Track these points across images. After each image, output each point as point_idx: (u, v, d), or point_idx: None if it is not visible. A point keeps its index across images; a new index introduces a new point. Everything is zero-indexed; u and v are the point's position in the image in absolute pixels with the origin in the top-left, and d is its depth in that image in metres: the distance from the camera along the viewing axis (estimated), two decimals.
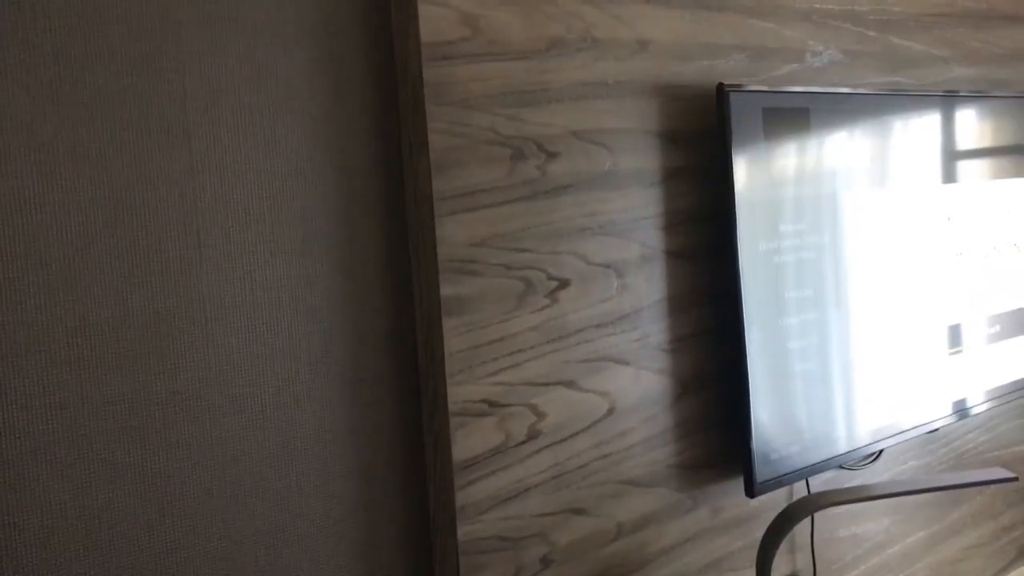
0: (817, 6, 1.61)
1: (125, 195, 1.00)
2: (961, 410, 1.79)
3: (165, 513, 1.03)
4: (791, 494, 1.63)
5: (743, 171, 1.40)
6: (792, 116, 1.49)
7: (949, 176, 1.77)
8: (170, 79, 1.02)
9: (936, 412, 1.73)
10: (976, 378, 1.82)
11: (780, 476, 1.45)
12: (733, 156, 1.39)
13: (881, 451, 1.72)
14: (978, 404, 1.82)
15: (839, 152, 1.56)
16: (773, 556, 1.36)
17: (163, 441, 1.03)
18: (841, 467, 1.68)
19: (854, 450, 1.57)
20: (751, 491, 1.41)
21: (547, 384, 1.26)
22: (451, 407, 1.17)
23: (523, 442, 1.24)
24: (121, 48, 0.99)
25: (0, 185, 0.93)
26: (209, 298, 1.05)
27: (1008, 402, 1.94)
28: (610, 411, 1.34)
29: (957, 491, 1.99)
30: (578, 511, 1.31)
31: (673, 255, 1.41)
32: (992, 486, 2.03)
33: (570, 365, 1.29)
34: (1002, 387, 1.89)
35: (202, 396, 1.05)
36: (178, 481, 1.04)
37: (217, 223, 1.06)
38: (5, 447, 0.93)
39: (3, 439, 0.93)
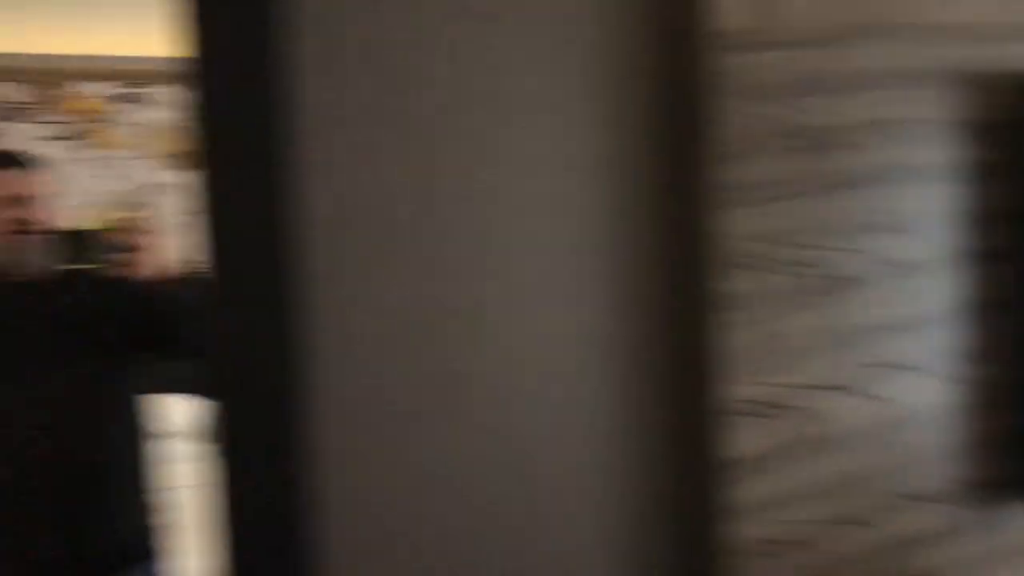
0: None
1: (415, 188, 1.06)
2: None
3: (452, 487, 1.09)
4: None
5: None
6: None
7: None
8: (452, 75, 1.07)
9: None
10: None
11: None
12: None
13: None
14: None
15: None
16: None
17: (441, 422, 1.09)
18: None
19: None
20: None
21: (826, 388, 1.21)
22: (723, 406, 1.15)
23: (797, 446, 1.20)
24: (408, 46, 1.05)
25: (316, 184, 1.01)
26: (490, 287, 1.09)
27: None
28: (893, 419, 1.26)
29: None
30: (851, 521, 1.25)
31: (974, 257, 1.30)
32: None
33: (852, 369, 1.23)
34: None
35: (478, 385, 1.10)
36: (455, 460, 1.09)
37: (497, 216, 1.09)
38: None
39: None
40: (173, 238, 4.09)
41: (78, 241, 1.75)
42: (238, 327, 1.02)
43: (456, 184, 1.07)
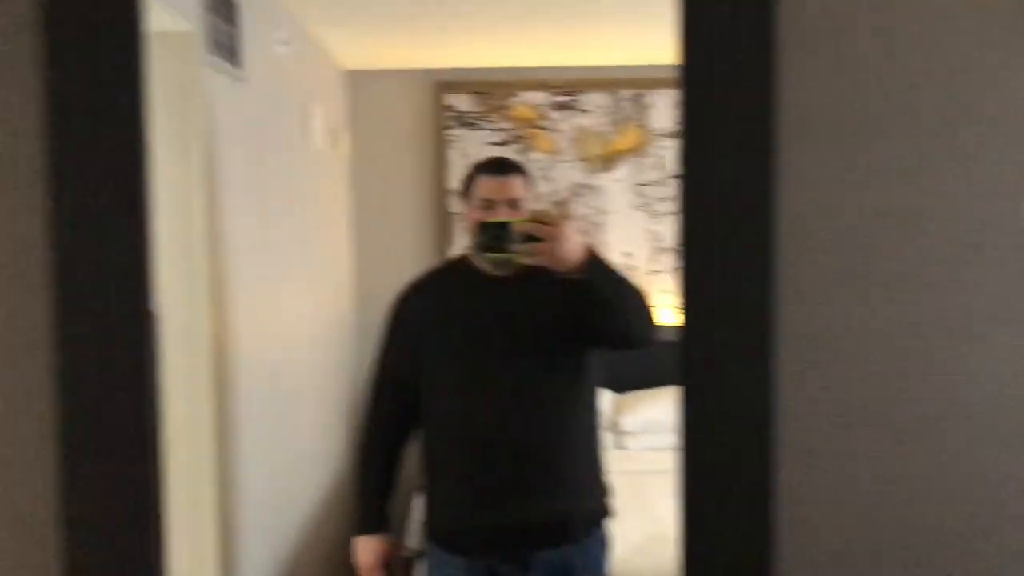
0: None
1: (910, 209, 1.03)
2: None
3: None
4: None
5: None
6: None
7: None
8: (944, 91, 1.03)
9: None
10: None
11: None
12: None
13: None
14: None
15: None
16: None
17: (903, 445, 1.05)
18: None
19: None
20: None
21: None
22: None
23: None
24: (899, 64, 1.03)
25: (795, 195, 1.03)
26: (968, 313, 1.04)
27: None
28: None
29: None
30: None
31: None
32: None
33: None
34: None
35: (947, 412, 1.05)
36: (915, 486, 1.05)
37: (995, 242, 1.03)
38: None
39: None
40: (587, 234, 4.34)
41: (497, 231, 1.88)
42: (708, 331, 1.07)
43: (940, 206, 1.03)
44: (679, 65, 1.04)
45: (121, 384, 1.09)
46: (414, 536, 3.30)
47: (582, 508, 2.08)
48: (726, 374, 1.05)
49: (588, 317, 1.94)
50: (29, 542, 1.12)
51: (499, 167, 2.10)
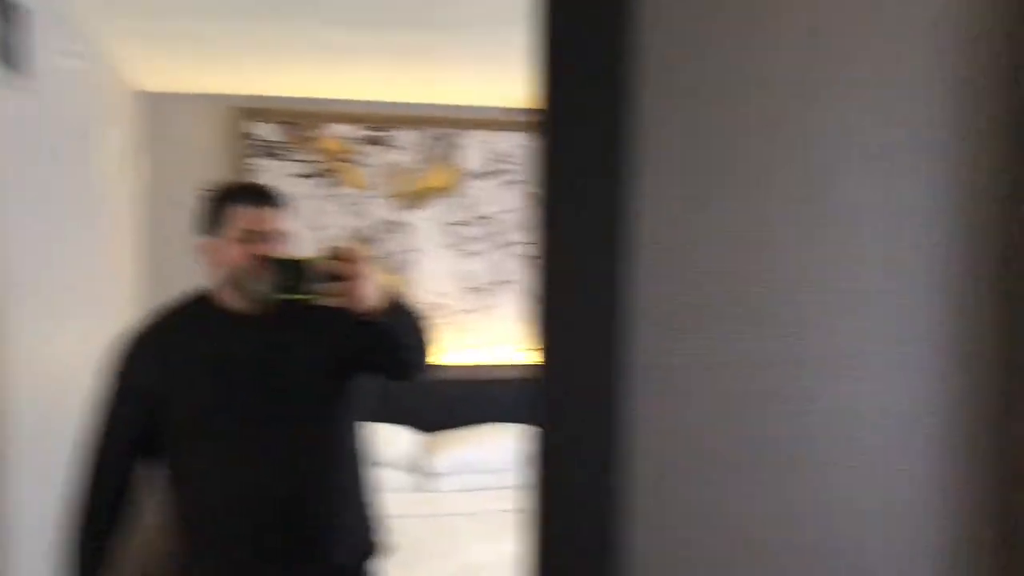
0: None
1: (764, 241, 1.04)
2: None
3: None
4: None
5: None
6: None
7: None
8: (796, 117, 1.05)
9: None
10: None
11: None
12: None
13: None
14: None
15: None
16: None
17: (755, 484, 1.05)
18: None
19: None
20: None
21: None
22: None
23: None
24: (752, 96, 1.04)
25: (651, 231, 1.02)
26: (818, 347, 1.06)
27: None
28: None
29: None
30: None
31: None
32: None
33: None
34: None
35: (797, 447, 1.06)
36: (767, 527, 1.06)
37: (834, 272, 1.06)
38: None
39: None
40: (390, 271, 4.25)
41: (293, 270, 1.72)
42: (558, 366, 1.04)
43: (790, 236, 1.05)
44: (538, 98, 1.01)
45: None
46: None
47: (344, 557, 1.95)
48: (577, 411, 1.02)
49: (369, 352, 1.83)
50: None
51: (258, 196, 1.90)
